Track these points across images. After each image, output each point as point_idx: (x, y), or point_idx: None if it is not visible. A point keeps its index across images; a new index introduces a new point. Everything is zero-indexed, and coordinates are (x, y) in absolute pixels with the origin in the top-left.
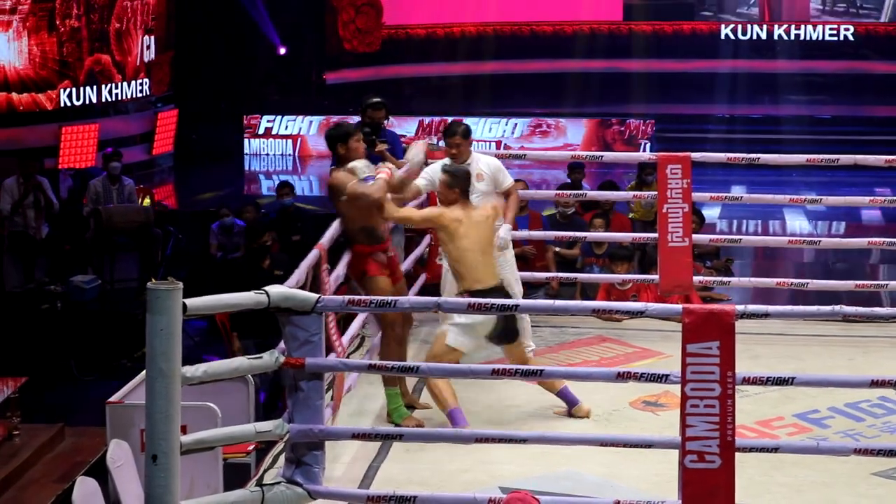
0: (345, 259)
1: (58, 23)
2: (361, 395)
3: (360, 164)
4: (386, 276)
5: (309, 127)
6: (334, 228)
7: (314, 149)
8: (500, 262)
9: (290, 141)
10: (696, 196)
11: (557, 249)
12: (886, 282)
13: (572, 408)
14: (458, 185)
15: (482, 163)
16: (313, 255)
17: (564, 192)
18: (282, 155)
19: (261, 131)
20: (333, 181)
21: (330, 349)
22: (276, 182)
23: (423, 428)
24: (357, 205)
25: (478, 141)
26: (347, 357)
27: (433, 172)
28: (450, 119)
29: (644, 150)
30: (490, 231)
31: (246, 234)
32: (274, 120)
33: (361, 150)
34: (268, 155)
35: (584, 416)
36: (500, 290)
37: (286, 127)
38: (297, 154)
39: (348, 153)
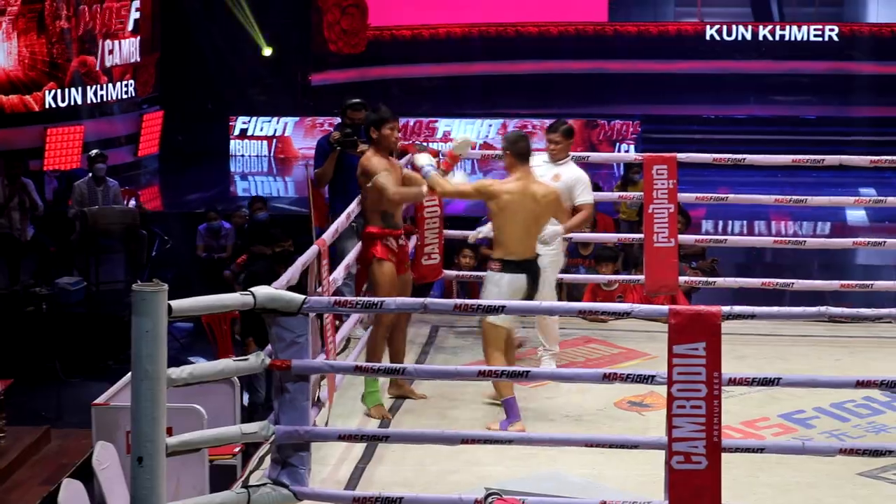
0: (352, 254)
1: (47, 24)
2: (347, 396)
3: (424, 159)
4: (393, 262)
5: (284, 128)
6: (340, 221)
7: (300, 150)
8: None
9: (265, 142)
10: (682, 197)
11: None
12: (871, 282)
13: (509, 422)
14: (509, 148)
15: (568, 170)
16: (312, 251)
17: None
18: (257, 156)
19: (236, 132)
20: (365, 162)
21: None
22: (251, 183)
23: (400, 427)
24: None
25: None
26: (334, 358)
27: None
28: (427, 120)
29: (619, 151)
30: (541, 207)
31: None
32: (249, 121)
33: (394, 138)
34: (243, 156)
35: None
36: (530, 263)
37: (261, 128)
38: (272, 155)
39: (380, 139)
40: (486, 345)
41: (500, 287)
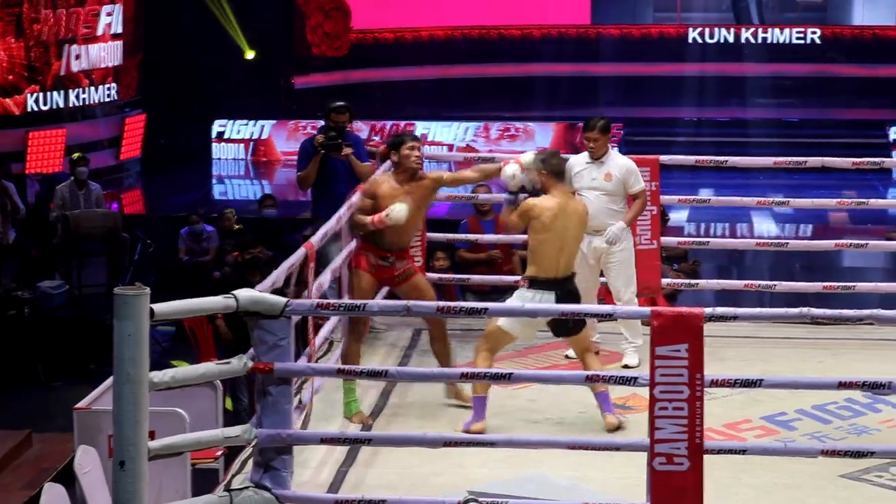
0: (338, 258)
1: (25, 28)
2: (329, 399)
3: (514, 182)
4: (370, 274)
5: (261, 131)
6: (329, 225)
7: (282, 153)
8: (611, 261)
9: (241, 145)
10: (665, 199)
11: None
12: (853, 283)
13: (603, 413)
14: (544, 167)
15: (615, 163)
16: (299, 254)
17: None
18: (234, 159)
19: (213, 135)
20: (373, 186)
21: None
22: (227, 186)
23: (377, 430)
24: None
25: (447, 145)
26: (316, 361)
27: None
28: (404, 123)
29: None
30: (578, 225)
31: (235, 245)
32: (226, 124)
33: (413, 157)
34: (219, 159)
35: (611, 428)
36: (564, 281)
37: (238, 131)
38: (249, 158)
39: (401, 160)
40: (481, 344)
41: (523, 303)
